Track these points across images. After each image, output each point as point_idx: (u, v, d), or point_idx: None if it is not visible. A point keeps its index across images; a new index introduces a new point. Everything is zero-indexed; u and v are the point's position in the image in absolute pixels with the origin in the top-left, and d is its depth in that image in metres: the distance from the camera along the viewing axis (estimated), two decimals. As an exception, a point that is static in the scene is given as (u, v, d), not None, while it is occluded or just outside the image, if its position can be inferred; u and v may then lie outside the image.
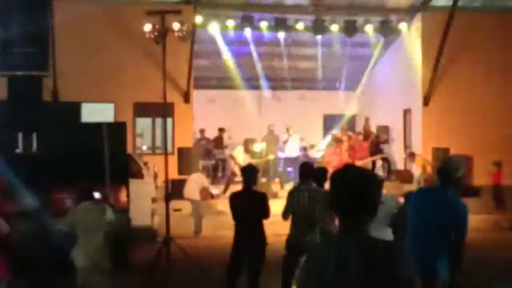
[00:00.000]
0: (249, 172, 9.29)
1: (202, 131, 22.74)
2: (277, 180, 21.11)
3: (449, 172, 6.58)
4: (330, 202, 3.34)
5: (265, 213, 8.96)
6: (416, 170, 20.75)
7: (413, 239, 6.51)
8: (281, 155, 21.96)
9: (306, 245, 8.37)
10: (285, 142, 21.41)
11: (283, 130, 21.99)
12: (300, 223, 8.87)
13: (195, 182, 16.33)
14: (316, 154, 23.56)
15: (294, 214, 8.97)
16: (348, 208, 3.26)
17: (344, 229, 3.29)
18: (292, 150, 21.25)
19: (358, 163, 19.20)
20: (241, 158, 20.64)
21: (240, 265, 8.95)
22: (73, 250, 8.50)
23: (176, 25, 14.73)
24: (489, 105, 21.06)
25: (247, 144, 20.90)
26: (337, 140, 20.33)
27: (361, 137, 20.42)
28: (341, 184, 3.30)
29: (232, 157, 20.90)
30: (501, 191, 18.85)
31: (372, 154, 20.58)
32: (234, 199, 9.23)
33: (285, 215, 9.10)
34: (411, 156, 20.54)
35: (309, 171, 9.47)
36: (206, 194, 16.29)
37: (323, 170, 9.83)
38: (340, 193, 3.29)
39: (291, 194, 9.21)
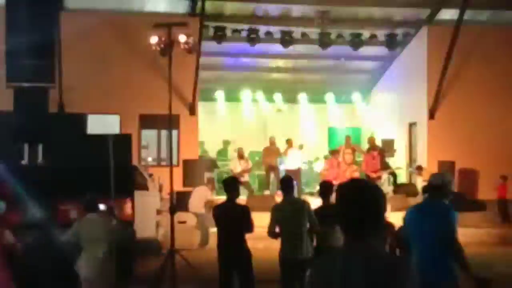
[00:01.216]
0: (231, 184, 9.23)
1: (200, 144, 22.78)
2: (279, 192, 21.08)
3: (434, 184, 6.83)
4: (336, 216, 3.34)
5: (249, 226, 8.88)
6: (421, 184, 20.70)
7: (416, 253, 6.65)
8: (281, 167, 21.96)
9: (308, 261, 8.36)
10: (284, 153, 21.37)
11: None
12: (288, 237, 8.79)
13: (200, 195, 16.30)
14: (319, 167, 23.58)
15: (282, 229, 8.88)
16: (354, 221, 3.25)
17: (349, 242, 3.28)
18: (292, 162, 21.20)
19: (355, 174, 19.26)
20: (239, 167, 20.64)
21: (230, 280, 8.92)
22: (78, 262, 8.50)
23: (182, 38, 14.77)
24: (495, 119, 21.02)
25: (241, 151, 20.90)
26: (333, 152, 20.32)
27: (375, 153, 20.32)
28: (347, 197, 3.30)
29: (231, 171, 20.86)
30: (507, 205, 18.77)
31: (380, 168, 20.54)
32: (217, 212, 9.18)
33: (270, 232, 8.96)
34: (419, 169, 20.51)
35: (290, 184, 9.45)
36: (211, 206, 16.24)
37: (329, 184, 9.79)
38: (346, 206, 3.29)
39: (274, 209, 9.12)
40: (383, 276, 3.12)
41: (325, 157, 23.73)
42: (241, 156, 21.04)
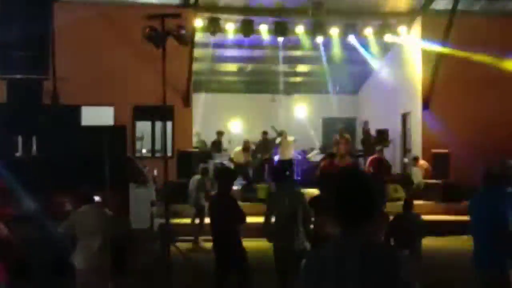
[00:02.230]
0: (225, 176, 9.20)
1: (197, 135, 22.79)
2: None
3: (494, 171, 7.00)
4: (331, 207, 3.33)
5: (240, 217, 8.88)
6: (418, 174, 20.68)
7: (474, 240, 7.06)
8: (275, 159, 22.01)
9: (302, 251, 8.39)
10: (279, 143, 21.43)
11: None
12: (284, 228, 8.77)
13: (198, 186, 16.19)
14: (315, 157, 23.62)
15: (277, 219, 8.86)
16: (349, 210, 3.25)
17: (344, 233, 3.27)
18: (286, 153, 21.29)
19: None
20: (242, 159, 20.69)
21: (225, 272, 8.95)
22: (73, 253, 8.50)
23: (175, 29, 14.72)
24: (489, 109, 21.04)
25: (247, 143, 20.94)
26: (331, 155, 20.33)
27: (382, 156, 20.08)
28: (343, 186, 3.30)
29: (232, 160, 20.95)
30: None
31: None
32: (209, 204, 9.19)
33: (266, 226, 8.90)
34: (416, 160, 20.53)
35: (283, 173, 9.43)
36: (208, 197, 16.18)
37: (328, 174, 9.80)
38: (341, 195, 3.29)
39: (270, 200, 9.08)
40: (378, 265, 3.13)
41: (320, 150, 23.82)
42: (246, 149, 21.05)
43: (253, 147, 21.66)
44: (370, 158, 20.14)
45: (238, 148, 21.38)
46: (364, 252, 3.17)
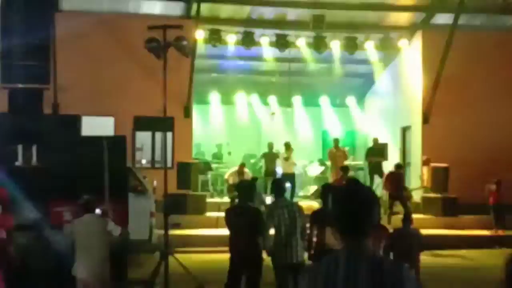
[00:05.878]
0: (244, 188, 9.28)
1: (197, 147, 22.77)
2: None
3: None
4: (334, 220, 3.33)
5: (261, 228, 8.91)
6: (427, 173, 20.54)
7: None
8: (278, 171, 21.94)
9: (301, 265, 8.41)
10: (286, 159, 21.40)
11: (281, 146, 21.99)
12: (284, 241, 8.80)
13: (259, 199, 15.77)
14: (313, 171, 23.62)
15: (276, 232, 8.89)
16: (354, 224, 3.25)
17: (349, 246, 3.26)
18: (288, 167, 21.29)
19: None
20: (236, 181, 20.25)
21: (237, 282, 8.93)
22: (73, 262, 8.49)
23: (177, 40, 14.75)
24: (489, 123, 21.02)
25: (242, 168, 20.21)
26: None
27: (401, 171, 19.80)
28: (344, 200, 3.30)
29: (226, 180, 20.58)
30: (501, 209, 18.72)
31: None
32: (229, 215, 9.22)
33: (266, 239, 8.92)
34: (427, 161, 20.45)
35: (283, 186, 9.49)
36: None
37: (330, 187, 9.82)
38: (343, 209, 3.29)
39: (269, 213, 9.12)
40: (388, 281, 3.12)
41: (319, 161, 23.83)
42: (241, 173, 20.37)
43: (248, 172, 20.81)
44: (387, 174, 19.81)
45: (233, 169, 20.79)
46: (370, 265, 3.16)
